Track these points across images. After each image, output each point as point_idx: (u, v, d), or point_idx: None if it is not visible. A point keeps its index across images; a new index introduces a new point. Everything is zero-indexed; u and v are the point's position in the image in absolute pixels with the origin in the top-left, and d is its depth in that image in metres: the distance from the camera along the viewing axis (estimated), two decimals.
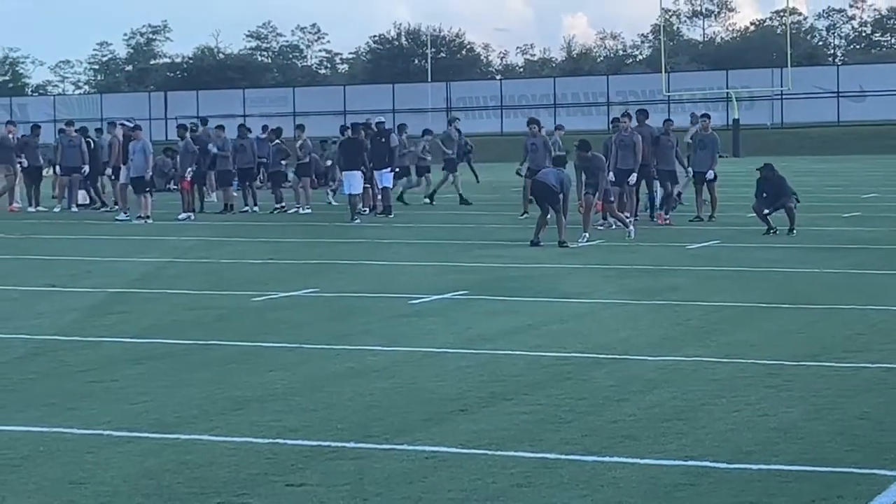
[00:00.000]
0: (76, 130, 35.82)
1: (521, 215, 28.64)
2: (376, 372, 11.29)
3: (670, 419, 9.31)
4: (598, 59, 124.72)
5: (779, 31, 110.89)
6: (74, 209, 34.37)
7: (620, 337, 12.96)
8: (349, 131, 31.26)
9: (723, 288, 16.96)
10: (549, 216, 22.77)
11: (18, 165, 35.04)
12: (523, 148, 29.26)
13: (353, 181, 29.68)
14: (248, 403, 10.07)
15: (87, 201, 34.57)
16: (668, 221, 26.83)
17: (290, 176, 34.85)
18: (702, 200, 27.82)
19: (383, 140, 31.35)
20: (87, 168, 35.03)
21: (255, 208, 33.22)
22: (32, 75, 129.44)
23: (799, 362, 11.38)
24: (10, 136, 35.73)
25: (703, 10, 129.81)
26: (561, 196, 22.81)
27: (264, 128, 36.16)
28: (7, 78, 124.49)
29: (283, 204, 33.01)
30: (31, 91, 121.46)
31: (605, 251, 21.92)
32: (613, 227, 25.97)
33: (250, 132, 35.21)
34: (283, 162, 34.28)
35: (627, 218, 26.07)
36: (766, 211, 24.28)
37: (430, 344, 12.63)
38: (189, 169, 31.99)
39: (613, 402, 9.92)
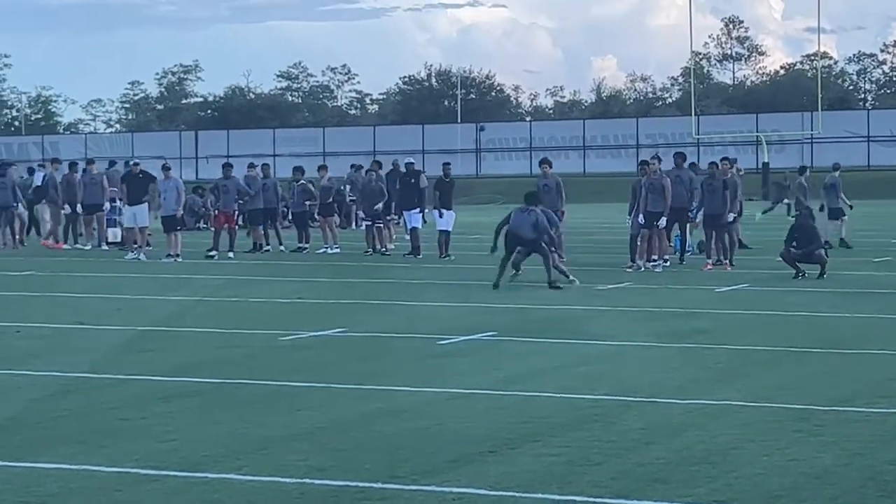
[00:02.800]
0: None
1: None
2: (404, 412, 11.27)
3: (699, 463, 9.26)
4: (628, 102, 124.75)
5: (809, 74, 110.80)
6: (104, 247, 34.48)
7: (649, 379, 12.91)
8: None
9: (752, 331, 16.89)
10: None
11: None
12: (536, 189, 29.28)
13: (449, 219, 29.97)
14: (275, 443, 10.06)
15: (118, 239, 34.65)
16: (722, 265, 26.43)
17: (316, 216, 34.94)
18: (716, 244, 27.34)
19: (412, 181, 31.42)
20: (108, 205, 35.23)
21: (281, 248, 33.31)
22: (64, 114, 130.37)
23: (829, 407, 11.31)
24: (55, 174, 35.95)
25: (734, 54, 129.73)
26: (541, 239, 22.89)
27: (250, 165, 35.88)
28: (39, 116, 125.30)
29: (308, 244, 33.08)
30: (63, 129, 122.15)
31: (633, 293, 21.87)
32: (642, 269, 25.94)
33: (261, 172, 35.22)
34: (307, 202, 34.34)
35: (655, 261, 26.06)
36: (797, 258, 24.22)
37: (459, 385, 12.61)
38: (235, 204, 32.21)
39: (642, 444, 9.88)
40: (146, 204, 31.86)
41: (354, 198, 38.64)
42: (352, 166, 41.14)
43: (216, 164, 44.94)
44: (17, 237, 35.47)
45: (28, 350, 15.57)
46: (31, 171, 41.25)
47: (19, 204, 35.68)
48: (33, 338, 16.76)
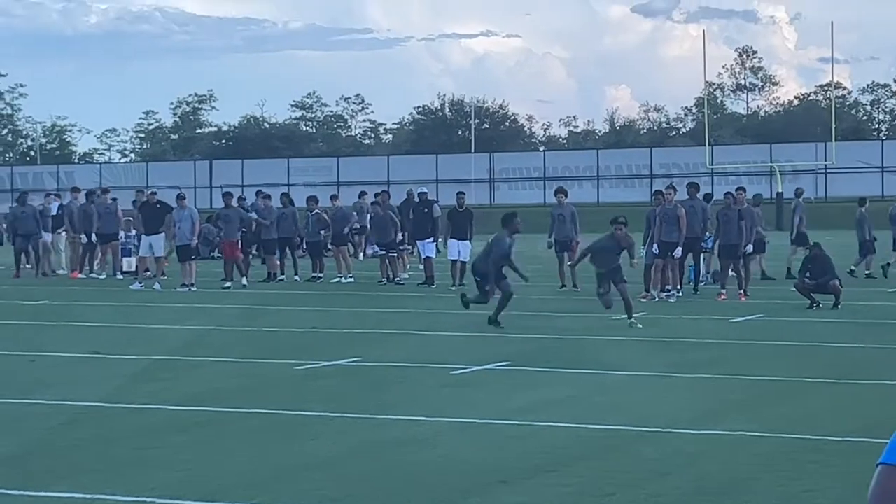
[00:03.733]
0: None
1: (560, 287, 28.65)
2: (418, 442, 11.28)
3: (714, 493, 9.25)
4: (642, 132, 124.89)
5: (823, 105, 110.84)
6: (119, 276, 34.55)
7: (663, 410, 12.91)
8: (461, 198, 31.38)
9: (766, 362, 16.87)
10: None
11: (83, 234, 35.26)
12: (550, 218, 29.30)
13: (463, 249, 30.03)
14: (289, 472, 10.08)
15: (133, 269, 34.72)
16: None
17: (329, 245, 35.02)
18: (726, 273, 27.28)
19: (426, 210, 31.48)
20: (122, 234, 35.41)
21: (296, 277, 33.38)
22: (79, 143, 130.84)
23: (843, 438, 11.30)
24: (77, 202, 36.12)
25: (747, 84, 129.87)
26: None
27: (262, 194, 35.91)
28: (55, 146, 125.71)
29: (322, 273, 33.16)
30: (78, 159, 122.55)
31: (647, 323, 21.86)
32: (657, 299, 25.95)
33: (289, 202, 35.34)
34: (321, 231, 34.41)
35: (669, 290, 26.08)
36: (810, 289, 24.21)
37: (472, 415, 12.61)
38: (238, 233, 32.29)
39: (656, 475, 9.87)
40: (162, 234, 31.95)
41: (358, 227, 38.64)
42: (360, 194, 41.21)
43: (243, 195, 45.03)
44: (40, 266, 35.59)
45: (43, 379, 15.60)
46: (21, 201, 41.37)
47: (42, 232, 35.87)
48: (48, 367, 16.81)
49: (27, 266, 36.02)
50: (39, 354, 17.95)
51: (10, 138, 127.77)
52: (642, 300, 25.58)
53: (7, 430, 12.11)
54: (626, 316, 21.13)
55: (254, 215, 33.72)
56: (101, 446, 11.25)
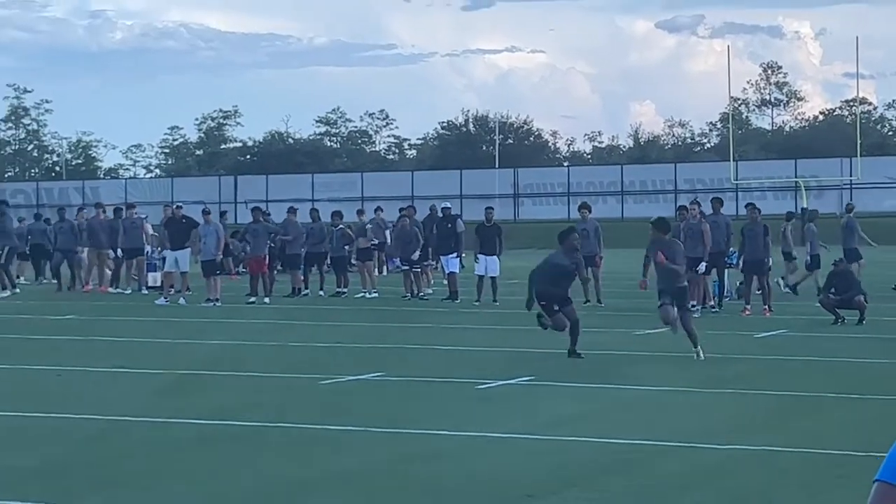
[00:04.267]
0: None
1: (584, 302, 28.66)
2: (442, 456, 11.31)
3: None
4: (666, 147, 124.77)
5: (848, 120, 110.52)
6: (145, 291, 34.66)
7: (687, 424, 12.92)
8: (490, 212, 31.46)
9: (790, 377, 16.86)
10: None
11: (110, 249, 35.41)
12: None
13: (491, 264, 30.08)
14: (312, 486, 10.12)
15: (158, 284, 34.80)
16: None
17: (353, 260, 35.11)
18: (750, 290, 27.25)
19: (449, 225, 31.54)
20: (149, 249, 35.56)
21: (321, 292, 33.46)
22: (105, 159, 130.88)
23: (867, 453, 11.28)
24: (102, 218, 36.31)
25: (772, 100, 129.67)
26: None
27: (291, 209, 35.89)
28: (80, 161, 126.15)
29: (347, 288, 33.25)
30: (103, 174, 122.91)
31: (672, 338, 21.83)
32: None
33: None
34: (346, 247, 34.48)
35: (694, 306, 26.03)
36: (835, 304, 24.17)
37: (496, 429, 12.64)
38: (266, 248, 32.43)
39: (680, 489, 9.89)
40: (188, 249, 32.07)
41: (376, 242, 38.68)
42: (375, 210, 41.26)
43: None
44: (75, 281, 35.74)
45: (69, 393, 15.69)
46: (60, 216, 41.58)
47: (78, 248, 36.06)
48: (74, 381, 16.90)
49: (51, 280, 36.15)
50: (66, 369, 18.04)
51: (35, 154, 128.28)
52: None
53: (33, 444, 12.18)
54: (650, 331, 20.78)
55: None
56: (127, 460, 11.31)
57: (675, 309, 19.19)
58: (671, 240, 19.75)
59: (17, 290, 33.90)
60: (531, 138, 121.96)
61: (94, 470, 10.88)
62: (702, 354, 18.81)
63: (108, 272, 35.70)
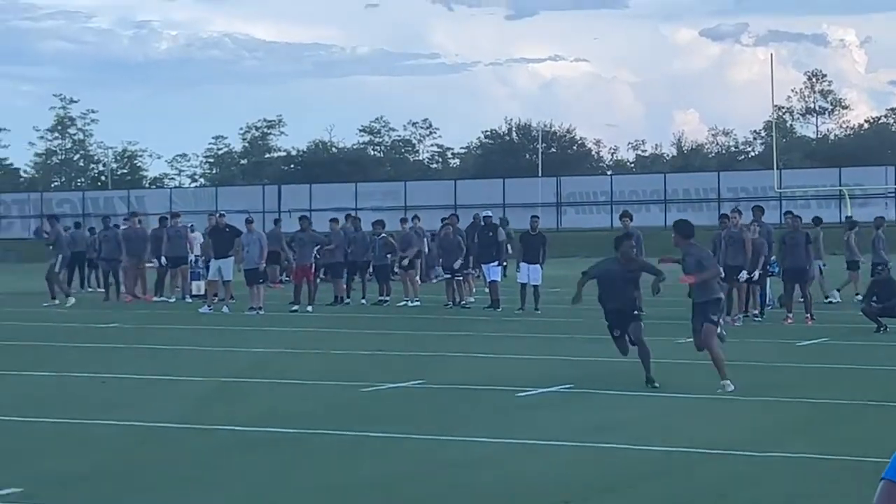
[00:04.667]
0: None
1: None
2: (480, 463, 11.39)
3: None
4: (710, 156, 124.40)
5: (894, 128, 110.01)
6: (188, 300, 34.90)
7: (724, 432, 12.95)
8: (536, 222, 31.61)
9: (831, 385, 16.86)
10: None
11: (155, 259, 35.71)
12: (614, 242, 29.21)
13: (533, 272, 30.18)
14: (353, 493, 10.22)
15: (202, 292, 34.98)
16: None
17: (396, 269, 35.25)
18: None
19: (491, 234, 31.63)
20: (192, 257, 35.80)
21: (363, 301, 33.60)
22: (150, 168, 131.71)
23: None
24: (139, 227, 36.60)
25: (817, 108, 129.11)
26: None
27: (333, 220, 35.99)
28: (126, 171, 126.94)
29: (389, 297, 33.38)
30: (149, 184, 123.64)
31: (724, 347, 21.82)
32: (722, 323, 25.89)
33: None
34: (387, 255, 34.61)
35: (735, 315, 26.03)
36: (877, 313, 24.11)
37: (535, 436, 12.71)
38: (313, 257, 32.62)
39: (715, 496, 9.93)
40: (231, 257, 32.28)
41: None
42: (412, 218, 41.31)
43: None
44: (121, 290, 36.03)
45: (113, 400, 15.86)
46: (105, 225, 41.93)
47: (123, 256, 36.37)
48: (118, 389, 17.07)
49: (97, 289, 36.47)
50: (110, 376, 18.22)
51: (81, 164, 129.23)
52: None
53: (79, 450, 12.35)
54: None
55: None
56: (170, 466, 11.46)
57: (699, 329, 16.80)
58: (694, 244, 17.40)
59: (57, 301, 34.14)
60: (574, 147, 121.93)
61: (138, 475, 11.02)
62: (729, 386, 16.19)
63: (143, 281, 35.95)
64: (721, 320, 17.52)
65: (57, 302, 33.71)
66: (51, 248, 35.02)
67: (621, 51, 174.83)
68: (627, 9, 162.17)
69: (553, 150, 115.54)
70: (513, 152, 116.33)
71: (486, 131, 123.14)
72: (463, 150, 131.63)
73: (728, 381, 16.17)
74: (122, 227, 37.75)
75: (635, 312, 17.47)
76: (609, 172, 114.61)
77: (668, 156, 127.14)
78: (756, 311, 27.48)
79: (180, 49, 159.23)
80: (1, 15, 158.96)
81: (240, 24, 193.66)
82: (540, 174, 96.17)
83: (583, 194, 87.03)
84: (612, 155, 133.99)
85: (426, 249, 40.88)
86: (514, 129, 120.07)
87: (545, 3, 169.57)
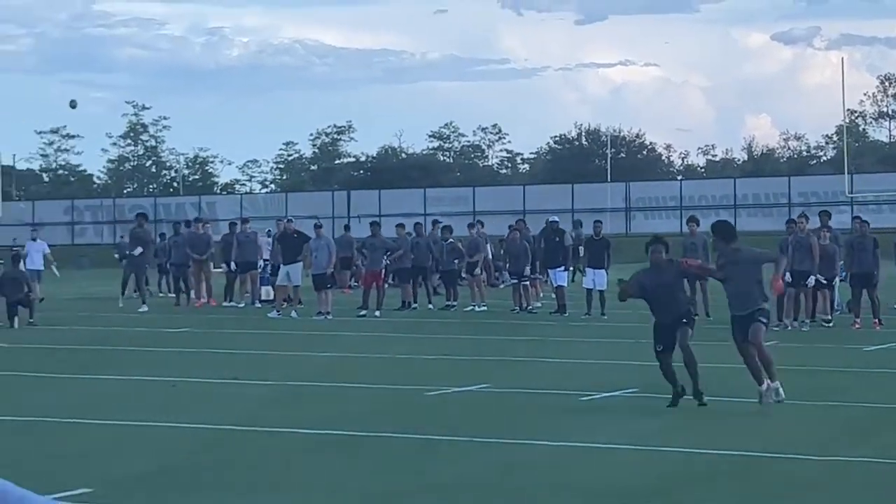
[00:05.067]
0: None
1: (694, 315, 28.63)
2: (541, 466, 11.51)
3: None
4: (781, 160, 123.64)
5: None
6: (258, 305, 35.19)
7: (788, 436, 12.98)
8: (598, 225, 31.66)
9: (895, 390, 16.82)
10: None
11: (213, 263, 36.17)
12: (682, 248, 29.24)
13: (598, 278, 30.25)
14: (416, 495, 10.36)
15: (271, 297, 35.25)
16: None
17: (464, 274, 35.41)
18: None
19: (557, 239, 31.71)
20: (262, 262, 36.13)
21: (430, 305, 33.78)
22: (221, 174, 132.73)
23: None
24: (203, 232, 36.96)
25: (890, 112, 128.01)
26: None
27: (372, 224, 36.08)
28: (197, 177, 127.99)
29: (456, 302, 33.52)
30: (220, 190, 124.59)
31: (779, 352, 21.77)
32: (789, 328, 25.85)
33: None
34: (455, 261, 34.75)
35: (804, 321, 25.95)
36: None
37: (596, 440, 12.81)
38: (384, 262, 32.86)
39: (776, 500, 9.98)
40: (300, 263, 32.54)
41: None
42: (469, 226, 41.38)
43: (368, 224, 45.76)
44: (190, 295, 36.44)
45: (183, 402, 16.12)
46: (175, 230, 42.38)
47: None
48: (188, 391, 17.33)
49: (167, 294, 36.89)
50: (180, 379, 18.48)
51: (153, 170, 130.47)
52: (774, 329, 25.46)
53: (148, 451, 12.59)
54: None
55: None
56: (236, 468, 11.66)
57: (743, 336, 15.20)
58: (736, 248, 15.61)
59: (122, 306, 34.57)
60: (644, 152, 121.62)
61: (205, 477, 11.23)
62: (779, 393, 14.92)
63: (207, 285, 36.32)
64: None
65: (146, 307, 33.78)
66: (138, 252, 35.24)
67: (692, 55, 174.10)
68: (698, 13, 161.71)
69: (622, 155, 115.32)
70: (582, 157, 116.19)
71: (556, 136, 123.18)
72: (532, 156, 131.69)
73: (778, 385, 14.76)
74: (186, 231, 38.10)
75: (685, 320, 15.71)
76: (679, 178, 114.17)
77: (738, 160, 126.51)
78: (827, 317, 27.35)
79: (251, 55, 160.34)
80: (75, 23, 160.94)
81: (310, 31, 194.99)
82: (609, 179, 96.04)
83: (652, 199, 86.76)
84: (682, 160, 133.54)
85: (489, 255, 41.01)
86: (583, 134, 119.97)
87: (615, 7, 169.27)
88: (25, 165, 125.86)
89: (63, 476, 11.12)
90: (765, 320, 15.24)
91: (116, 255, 45.41)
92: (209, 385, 18.06)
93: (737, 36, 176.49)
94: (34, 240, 39.45)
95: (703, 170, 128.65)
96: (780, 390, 14.85)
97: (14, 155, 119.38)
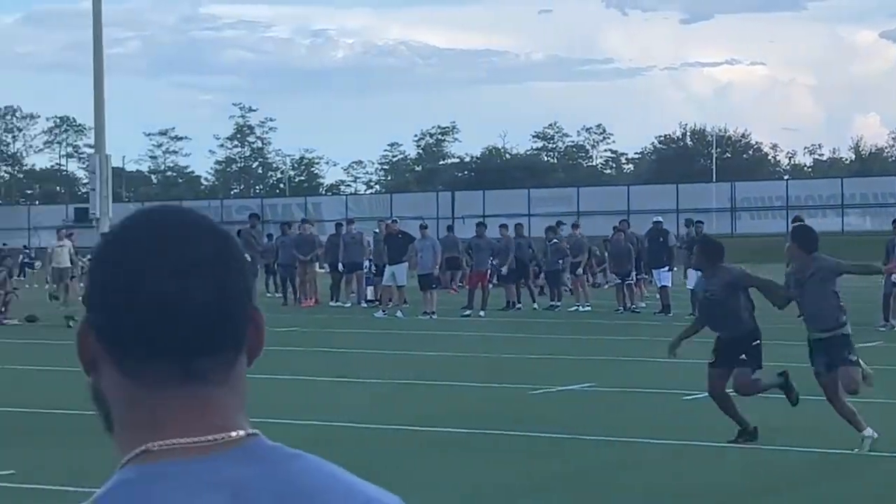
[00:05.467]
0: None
1: (798, 316, 28.44)
2: (644, 464, 11.66)
3: None
4: (890, 160, 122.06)
5: None
6: (364, 305, 35.55)
7: (892, 436, 12.98)
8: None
9: None
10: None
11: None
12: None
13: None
14: (521, 492, 10.56)
15: (374, 297, 35.58)
16: None
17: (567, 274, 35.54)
18: None
19: (661, 239, 31.74)
20: (367, 263, 36.54)
21: (534, 306, 33.95)
22: (326, 175, 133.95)
23: None
24: (308, 233, 37.44)
25: None
26: None
27: (479, 225, 36.38)
28: (303, 178, 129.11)
29: (560, 302, 33.67)
30: (325, 191, 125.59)
31: (884, 353, 21.71)
32: (895, 328, 25.70)
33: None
34: (559, 261, 34.87)
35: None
36: None
37: (700, 439, 12.92)
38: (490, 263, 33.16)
39: (874, 499, 10.04)
40: (405, 263, 32.85)
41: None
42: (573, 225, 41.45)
43: (472, 225, 46.11)
44: (297, 295, 36.95)
45: (293, 401, 16.42)
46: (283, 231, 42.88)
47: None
48: (298, 390, 17.66)
49: (275, 294, 37.44)
50: (290, 378, 18.80)
51: (260, 171, 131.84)
52: (880, 329, 25.36)
53: None
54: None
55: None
56: (349, 466, 11.82)
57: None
58: (817, 257, 12.95)
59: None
60: (749, 151, 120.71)
61: None
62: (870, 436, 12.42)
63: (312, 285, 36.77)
64: (860, 360, 12.93)
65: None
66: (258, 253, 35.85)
67: (798, 53, 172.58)
68: (805, 11, 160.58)
69: (728, 154, 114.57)
70: (687, 157, 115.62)
71: (660, 136, 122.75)
72: (637, 156, 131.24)
73: (868, 430, 12.37)
74: (291, 232, 38.56)
75: (754, 343, 13.19)
76: (786, 177, 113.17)
77: (846, 160, 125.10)
78: None
79: (356, 57, 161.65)
80: (183, 25, 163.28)
81: (415, 32, 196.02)
82: (714, 179, 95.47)
83: (757, 199, 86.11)
84: (789, 159, 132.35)
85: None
86: (688, 133, 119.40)
87: (721, 6, 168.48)
88: (134, 167, 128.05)
89: None
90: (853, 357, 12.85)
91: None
92: (318, 383, 18.38)
93: (844, 34, 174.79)
94: None
95: (810, 169, 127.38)
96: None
97: (123, 157, 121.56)
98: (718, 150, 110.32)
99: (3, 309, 31.13)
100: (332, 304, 35.86)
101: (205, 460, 1.60)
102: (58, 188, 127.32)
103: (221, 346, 1.65)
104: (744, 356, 12.96)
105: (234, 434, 1.64)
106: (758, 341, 13.16)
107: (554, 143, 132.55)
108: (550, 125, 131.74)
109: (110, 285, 1.63)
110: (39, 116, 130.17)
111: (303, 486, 1.63)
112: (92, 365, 1.67)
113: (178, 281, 1.61)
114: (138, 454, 1.60)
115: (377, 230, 38.19)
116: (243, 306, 1.66)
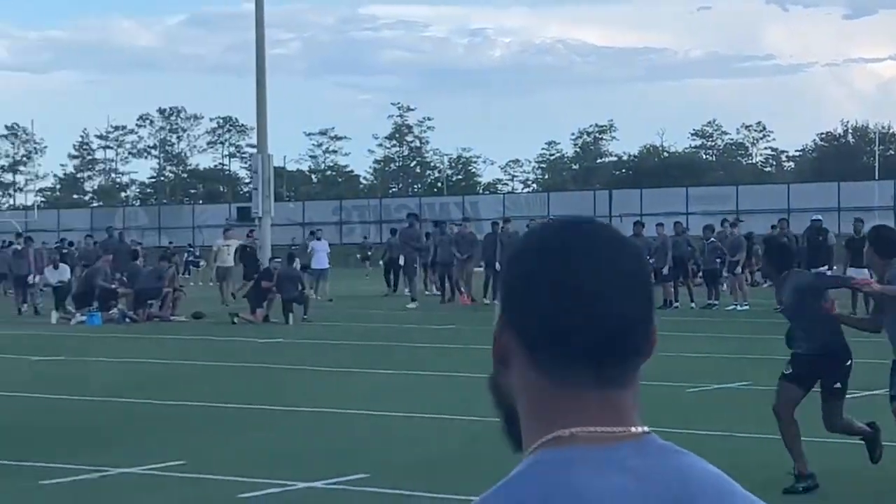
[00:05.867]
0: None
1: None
2: (769, 461, 11.72)
3: None
4: None
5: None
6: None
7: None
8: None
9: None
10: None
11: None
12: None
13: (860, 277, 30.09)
14: None
15: None
16: None
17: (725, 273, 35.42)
18: None
19: (821, 238, 31.48)
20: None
21: (692, 304, 33.89)
22: (483, 174, 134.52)
23: None
24: (468, 231, 37.83)
25: None
26: None
27: (636, 224, 36.27)
28: (460, 177, 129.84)
29: (718, 301, 33.58)
30: (482, 190, 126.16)
31: None
32: None
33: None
34: (717, 260, 34.77)
35: None
36: None
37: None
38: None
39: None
40: None
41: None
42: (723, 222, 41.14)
43: (629, 223, 46.13)
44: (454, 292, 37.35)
45: (452, 397, 16.74)
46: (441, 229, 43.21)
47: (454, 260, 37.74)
48: (457, 386, 17.94)
49: (433, 293, 37.89)
50: (448, 374, 19.14)
51: (418, 170, 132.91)
52: None
53: (422, 440, 13.26)
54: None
55: None
56: (500, 459, 12.17)
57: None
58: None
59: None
60: None
61: (475, 466, 11.79)
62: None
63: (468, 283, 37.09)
64: None
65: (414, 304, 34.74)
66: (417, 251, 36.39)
67: None
68: None
69: (891, 152, 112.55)
70: (848, 155, 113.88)
71: (821, 134, 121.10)
72: (797, 154, 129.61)
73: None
74: (450, 230, 38.96)
75: (847, 363, 11.71)
76: None
77: None
78: None
79: (514, 56, 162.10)
80: (343, 26, 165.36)
81: (573, 30, 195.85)
82: (877, 177, 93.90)
83: None
84: None
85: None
86: (850, 130, 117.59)
87: (885, 0, 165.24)
88: (295, 167, 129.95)
89: (341, 463, 11.84)
90: None
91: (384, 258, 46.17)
92: (477, 380, 18.65)
93: None
94: (318, 239, 40.76)
95: None
96: None
97: (284, 156, 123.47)
98: (881, 147, 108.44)
99: (171, 305, 32.03)
100: (486, 301, 36.17)
101: (610, 449, 1.78)
102: (221, 188, 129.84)
103: (634, 353, 1.83)
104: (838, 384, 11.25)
105: (633, 430, 1.84)
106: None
107: (713, 140, 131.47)
108: (709, 123, 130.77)
109: (543, 292, 1.79)
110: (203, 117, 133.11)
111: (694, 478, 1.83)
112: (503, 362, 1.87)
113: (611, 292, 1.77)
114: (550, 440, 1.79)
115: None
116: (653, 318, 1.84)
